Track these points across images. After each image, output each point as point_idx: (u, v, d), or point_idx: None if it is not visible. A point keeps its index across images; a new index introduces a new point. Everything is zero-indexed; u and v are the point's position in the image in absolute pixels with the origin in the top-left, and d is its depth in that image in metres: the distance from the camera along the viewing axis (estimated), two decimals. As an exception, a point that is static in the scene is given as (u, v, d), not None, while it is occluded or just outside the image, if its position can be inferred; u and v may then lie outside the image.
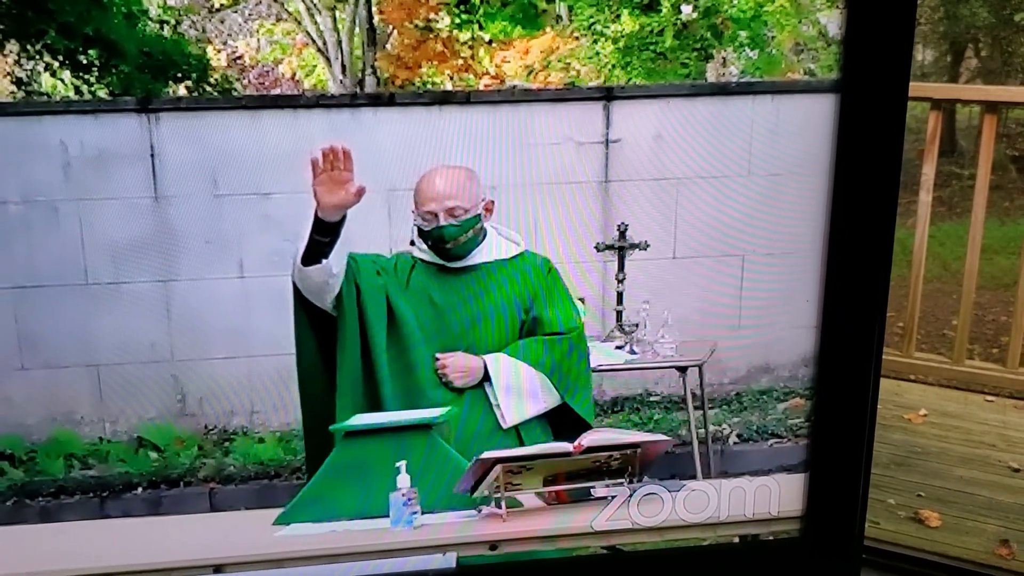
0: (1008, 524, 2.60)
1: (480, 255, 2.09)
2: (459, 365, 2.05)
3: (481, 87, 2.43)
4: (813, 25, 2.34)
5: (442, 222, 2.01)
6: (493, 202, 2.09)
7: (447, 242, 2.03)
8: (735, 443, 2.60)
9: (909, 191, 3.09)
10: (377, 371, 2.01)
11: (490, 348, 2.07)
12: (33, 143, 2.26)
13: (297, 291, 2.00)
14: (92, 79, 2.25)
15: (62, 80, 2.24)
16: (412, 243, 2.10)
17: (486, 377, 2.05)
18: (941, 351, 3.56)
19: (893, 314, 1.90)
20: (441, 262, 2.07)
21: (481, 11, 2.39)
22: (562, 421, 2.11)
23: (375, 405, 2.01)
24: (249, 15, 2.36)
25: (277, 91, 2.43)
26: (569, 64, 2.43)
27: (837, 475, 1.97)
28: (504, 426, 2.06)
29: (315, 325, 2.03)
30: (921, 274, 3.29)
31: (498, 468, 1.87)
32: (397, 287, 2.05)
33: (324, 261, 1.93)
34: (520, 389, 2.06)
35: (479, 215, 2.05)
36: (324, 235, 1.92)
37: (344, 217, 1.93)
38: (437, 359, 2.05)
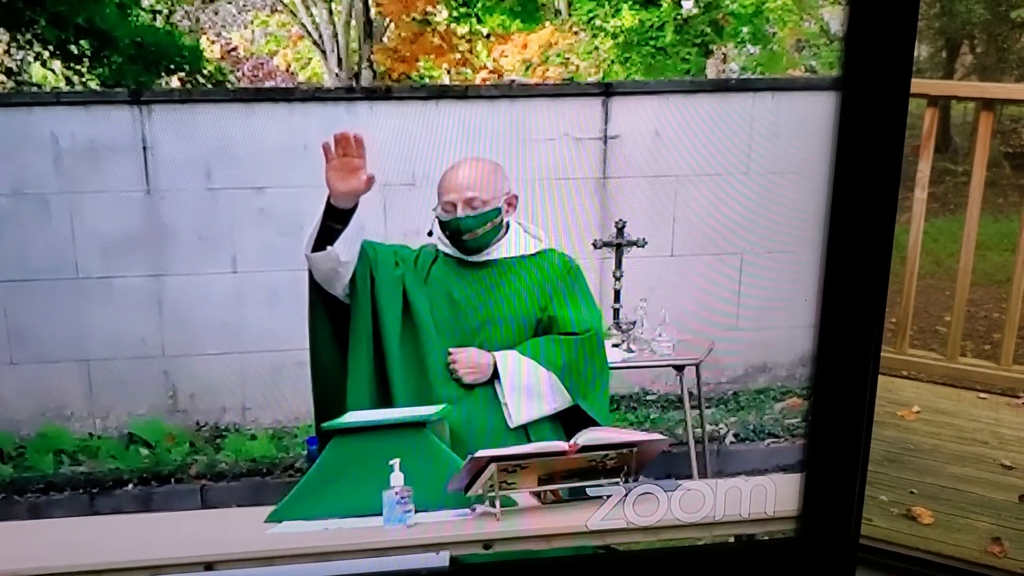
0: (1000, 522, 2.60)
1: (500, 250, 2.07)
2: (469, 361, 2.03)
3: (479, 81, 2.41)
4: (815, 21, 2.33)
5: (460, 213, 2.00)
6: (516, 197, 2.07)
7: (464, 233, 2.02)
8: (732, 443, 2.60)
9: (904, 188, 3.08)
10: (388, 364, 2.00)
11: (504, 345, 2.05)
12: (23, 135, 2.23)
13: (312, 278, 1.99)
14: (83, 70, 2.23)
15: (53, 70, 2.21)
16: (429, 234, 2.08)
17: (496, 375, 2.04)
18: (934, 348, 3.57)
19: (886, 310, 1.90)
20: (461, 255, 2.06)
21: (479, 4, 2.37)
22: (575, 422, 2.06)
23: (385, 399, 2.00)
24: (243, 6, 2.34)
25: (271, 84, 2.41)
26: (568, 59, 2.41)
27: (833, 475, 1.97)
28: (511, 425, 2.04)
29: (330, 314, 2.01)
30: (915, 271, 3.30)
31: (492, 467, 1.86)
32: (416, 280, 2.03)
33: (329, 248, 1.92)
34: (528, 388, 2.04)
35: (499, 208, 2.03)
36: (335, 222, 1.91)
37: (356, 205, 1.92)
38: (449, 354, 2.03)
